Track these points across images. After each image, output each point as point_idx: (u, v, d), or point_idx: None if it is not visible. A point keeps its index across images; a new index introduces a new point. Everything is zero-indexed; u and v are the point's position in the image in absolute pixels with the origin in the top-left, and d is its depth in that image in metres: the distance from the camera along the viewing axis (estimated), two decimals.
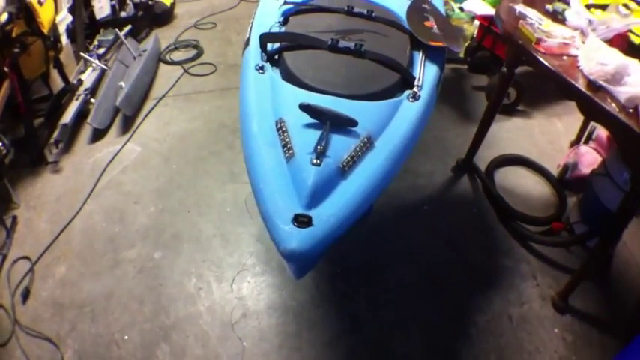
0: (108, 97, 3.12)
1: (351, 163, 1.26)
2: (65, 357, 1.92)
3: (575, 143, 2.75)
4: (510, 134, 2.97)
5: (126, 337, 1.98)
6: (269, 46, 1.72)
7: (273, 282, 2.15)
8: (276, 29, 1.88)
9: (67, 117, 2.87)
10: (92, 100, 3.08)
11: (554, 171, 2.66)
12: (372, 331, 1.98)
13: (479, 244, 2.33)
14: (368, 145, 1.32)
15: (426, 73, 1.70)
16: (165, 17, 4.38)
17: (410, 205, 2.54)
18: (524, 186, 2.63)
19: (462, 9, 3.31)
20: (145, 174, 2.76)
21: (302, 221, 1.11)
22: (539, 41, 1.79)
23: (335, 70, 1.59)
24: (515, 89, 2.99)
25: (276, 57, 1.70)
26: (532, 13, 1.96)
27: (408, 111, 1.49)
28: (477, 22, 3.37)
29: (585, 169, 2.51)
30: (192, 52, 3.89)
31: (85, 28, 3.57)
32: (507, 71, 2.18)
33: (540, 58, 1.75)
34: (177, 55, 3.91)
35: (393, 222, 2.43)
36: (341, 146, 1.28)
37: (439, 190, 2.65)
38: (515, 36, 1.91)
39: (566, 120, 3.10)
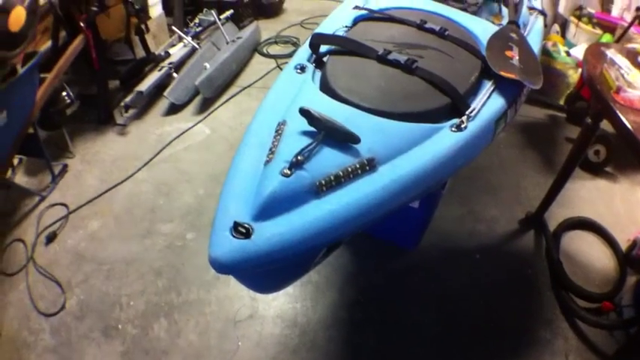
0: (190, 76, 3.20)
1: (333, 182, 1.10)
2: (67, 303, 1.98)
3: None
4: (590, 195, 2.65)
5: (132, 302, 2.01)
6: (322, 49, 1.65)
7: (291, 292, 2.07)
8: (341, 33, 1.80)
9: (145, 85, 2.98)
10: (175, 74, 3.18)
11: (624, 244, 2.33)
12: None
13: (520, 308, 2.07)
14: (367, 167, 1.15)
15: (487, 105, 1.50)
16: (271, 9, 4.46)
17: (461, 250, 2.32)
18: (588, 254, 2.32)
19: (568, 53, 3.03)
20: (206, 157, 2.79)
21: (239, 231, 0.99)
22: (618, 90, 1.57)
23: (372, 82, 1.46)
24: (606, 148, 2.67)
25: (324, 59, 1.62)
26: (622, 61, 1.72)
27: (443, 141, 1.30)
28: (580, 70, 3.06)
29: None
30: (290, 49, 3.90)
31: (189, 4, 3.71)
32: (592, 123, 1.92)
33: (616, 110, 1.52)
34: (274, 49, 3.95)
35: (436, 263, 2.24)
36: (329, 162, 1.12)
37: (498, 240, 2.40)
38: (596, 80, 1.68)
39: None
